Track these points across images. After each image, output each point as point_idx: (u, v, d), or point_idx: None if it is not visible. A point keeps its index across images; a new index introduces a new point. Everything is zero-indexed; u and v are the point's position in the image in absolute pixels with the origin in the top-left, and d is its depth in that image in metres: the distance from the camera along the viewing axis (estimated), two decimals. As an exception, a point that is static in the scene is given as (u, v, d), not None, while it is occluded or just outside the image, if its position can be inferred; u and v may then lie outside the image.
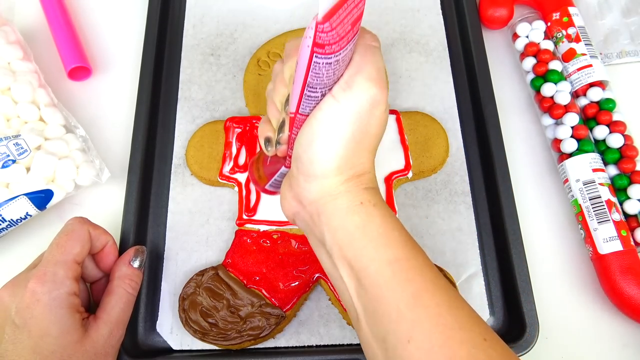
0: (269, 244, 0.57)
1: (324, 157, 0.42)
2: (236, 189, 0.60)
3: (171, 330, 0.55)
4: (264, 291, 0.55)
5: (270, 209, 0.58)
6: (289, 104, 0.43)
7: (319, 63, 0.36)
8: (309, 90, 0.39)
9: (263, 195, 0.58)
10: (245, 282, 0.56)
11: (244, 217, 0.58)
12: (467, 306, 0.40)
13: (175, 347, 0.55)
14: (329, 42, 0.34)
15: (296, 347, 0.55)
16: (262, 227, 0.58)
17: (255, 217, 0.58)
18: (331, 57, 0.36)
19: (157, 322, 0.56)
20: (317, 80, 0.38)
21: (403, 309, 0.39)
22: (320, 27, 0.33)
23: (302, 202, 0.45)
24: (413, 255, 0.41)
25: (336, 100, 0.40)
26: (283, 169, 0.49)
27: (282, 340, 0.55)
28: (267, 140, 0.49)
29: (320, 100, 0.40)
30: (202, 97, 0.66)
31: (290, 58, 0.44)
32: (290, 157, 0.46)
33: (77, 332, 0.46)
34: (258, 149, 0.58)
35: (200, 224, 0.60)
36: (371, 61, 0.40)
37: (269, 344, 0.55)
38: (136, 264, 0.53)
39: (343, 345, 0.54)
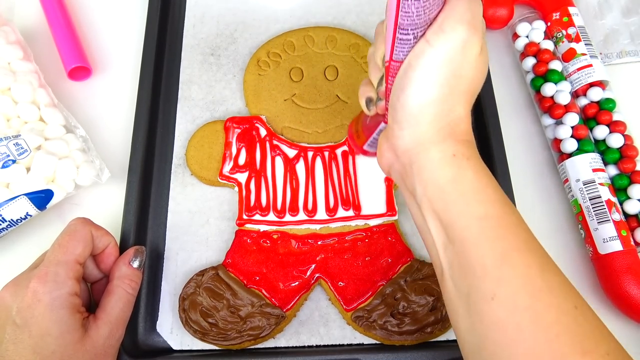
0: (269, 244, 0.57)
1: (417, 102, 0.41)
2: (236, 189, 0.60)
3: (171, 330, 0.55)
4: (264, 291, 0.55)
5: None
6: (385, 54, 0.43)
7: (408, 1, 0.36)
8: (400, 33, 0.39)
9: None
10: (245, 282, 0.56)
11: (244, 217, 0.58)
12: (559, 272, 0.39)
13: (175, 347, 0.55)
14: None
15: (296, 347, 0.55)
16: (262, 227, 0.58)
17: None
18: None
19: (157, 322, 0.56)
20: (407, 20, 0.38)
21: (489, 266, 0.38)
22: None
23: (396, 152, 0.44)
24: (505, 213, 0.40)
25: (428, 43, 0.39)
26: (382, 125, 0.49)
27: (282, 340, 0.55)
28: (369, 100, 0.49)
29: (414, 44, 0.40)
30: (202, 97, 0.66)
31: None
32: (387, 110, 0.45)
33: (77, 332, 0.46)
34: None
35: (200, 224, 0.60)
36: (465, 3, 0.39)
37: (269, 344, 0.54)
38: (136, 264, 0.53)
39: (343, 345, 0.54)
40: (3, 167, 0.55)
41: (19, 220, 0.57)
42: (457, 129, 0.42)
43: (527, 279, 0.37)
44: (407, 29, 0.39)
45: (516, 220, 0.40)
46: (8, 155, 0.56)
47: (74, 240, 0.49)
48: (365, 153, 0.53)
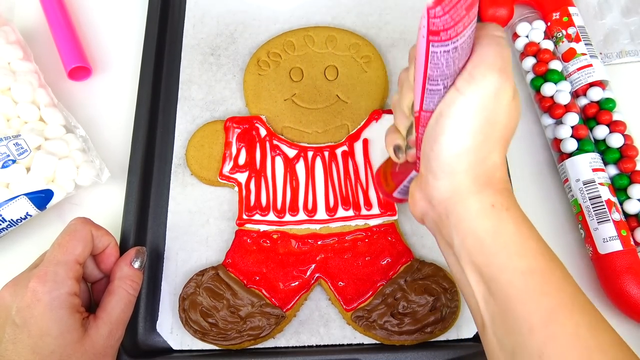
0: (269, 244, 0.57)
1: (451, 151, 0.40)
2: (236, 189, 0.60)
3: (171, 330, 0.55)
4: (264, 291, 0.55)
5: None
6: (414, 104, 0.42)
7: (437, 52, 0.36)
8: (430, 84, 0.39)
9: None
10: (245, 282, 0.56)
11: (244, 217, 0.58)
12: (610, 329, 0.37)
13: (175, 347, 0.55)
14: (443, 28, 0.34)
15: (296, 347, 0.55)
16: (262, 227, 0.58)
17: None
18: (448, 44, 0.35)
19: (157, 322, 0.56)
20: (437, 71, 0.38)
21: (536, 324, 0.37)
22: (432, 12, 0.33)
23: (431, 202, 0.43)
24: (550, 267, 0.39)
25: (459, 92, 0.39)
26: (413, 173, 0.48)
27: (282, 340, 0.55)
28: (397, 148, 0.48)
29: (444, 94, 0.40)
30: (202, 97, 0.66)
31: (413, 62, 0.42)
32: (419, 159, 0.45)
33: (76, 332, 0.46)
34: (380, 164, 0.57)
35: (200, 224, 0.60)
36: (494, 50, 0.39)
37: (269, 344, 0.54)
38: (137, 264, 0.53)
39: (343, 345, 0.54)
40: (3, 167, 0.55)
41: (19, 220, 0.57)
42: (494, 178, 0.42)
43: (576, 337, 0.36)
44: (437, 80, 0.38)
45: (561, 274, 0.39)
46: (8, 155, 0.56)
47: (74, 240, 0.49)
48: (394, 200, 0.53)
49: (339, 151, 0.61)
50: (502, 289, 0.39)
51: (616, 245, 0.55)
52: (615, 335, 0.37)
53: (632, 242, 0.56)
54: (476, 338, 0.54)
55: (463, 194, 0.41)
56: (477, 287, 0.41)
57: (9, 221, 0.56)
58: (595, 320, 0.37)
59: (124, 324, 0.50)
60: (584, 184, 0.58)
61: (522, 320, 0.37)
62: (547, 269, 0.39)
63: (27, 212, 0.57)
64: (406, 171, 0.49)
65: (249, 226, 0.58)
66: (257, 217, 0.58)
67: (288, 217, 0.58)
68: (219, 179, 0.60)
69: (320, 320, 0.56)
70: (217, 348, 0.54)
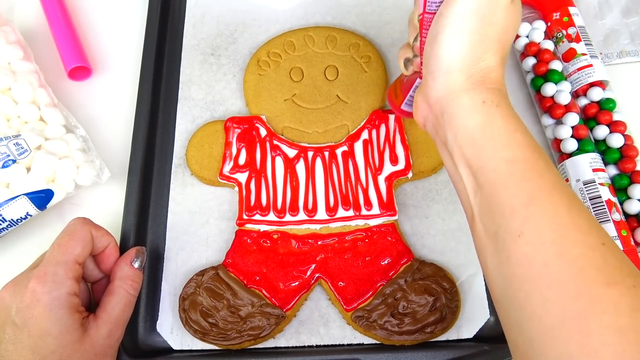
0: (269, 244, 0.57)
1: (447, 50, 0.43)
2: (236, 189, 0.60)
3: (171, 330, 0.55)
4: (264, 291, 0.55)
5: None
6: (418, 7, 0.46)
7: None
8: None
9: None
10: (245, 282, 0.55)
11: (244, 217, 0.58)
12: (587, 212, 0.39)
13: (175, 347, 0.54)
14: None
15: (296, 347, 0.54)
16: (262, 227, 0.58)
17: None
18: None
19: (157, 322, 0.56)
20: None
21: (517, 206, 0.39)
22: None
23: (429, 103, 0.46)
24: (533, 157, 0.41)
25: None
26: (417, 80, 0.50)
27: (282, 340, 0.55)
28: (407, 60, 0.52)
29: None
30: (202, 97, 0.66)
31: None
32: (422, 64, 0.47)
33: (76, 332, 0.46)
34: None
35: (200, 224, 0.60)
36: None
37: (269, 344, 0.54)
38: (137, 264, 0.53)
39: (343, 345, 0.54)
40: (3, 167, 0.55)
41: (19, 220, 0.57)
42: (488, 78, 0.43)
43: (554, 216, 0.37)
44: None
45: (544, 164, 0.40)
46: (8, 155, 0.55)
47: (73, 240, 0.49)
48: (403, 113, 0.55)
49: (339, 151, 0.61)
50: (488, 178, 0.41)
51: (616, 246, 0.55)
52: (590, 216, 0.38)
53: (633, 243, 0.56)
54: (476, 338, 0.54)
55: (456, 92, 0.43)
56: (468, 180, 0.43)
57: (9, 221, 0.56)
58: (573, 202, 0.39)
59: (124, 324, 0.50)
60: (584, 184, 0.58)
61: (505, 203, 0.39)
62: (530, 158, 0.40)
63: (27, 212, 0.56)
64: (413, 81, 0.51)
65: (249, 226, 0.58)
66: (257, 217, 0.58)
67: (288, 217, 0.58)
68: (219, 179, 0.60)
69: (320, 320, 0.55)
70: (217, 348, 0.54)
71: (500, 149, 0.41)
